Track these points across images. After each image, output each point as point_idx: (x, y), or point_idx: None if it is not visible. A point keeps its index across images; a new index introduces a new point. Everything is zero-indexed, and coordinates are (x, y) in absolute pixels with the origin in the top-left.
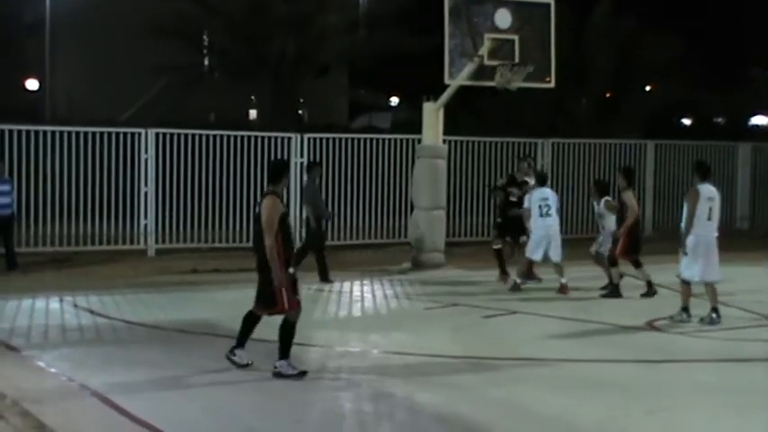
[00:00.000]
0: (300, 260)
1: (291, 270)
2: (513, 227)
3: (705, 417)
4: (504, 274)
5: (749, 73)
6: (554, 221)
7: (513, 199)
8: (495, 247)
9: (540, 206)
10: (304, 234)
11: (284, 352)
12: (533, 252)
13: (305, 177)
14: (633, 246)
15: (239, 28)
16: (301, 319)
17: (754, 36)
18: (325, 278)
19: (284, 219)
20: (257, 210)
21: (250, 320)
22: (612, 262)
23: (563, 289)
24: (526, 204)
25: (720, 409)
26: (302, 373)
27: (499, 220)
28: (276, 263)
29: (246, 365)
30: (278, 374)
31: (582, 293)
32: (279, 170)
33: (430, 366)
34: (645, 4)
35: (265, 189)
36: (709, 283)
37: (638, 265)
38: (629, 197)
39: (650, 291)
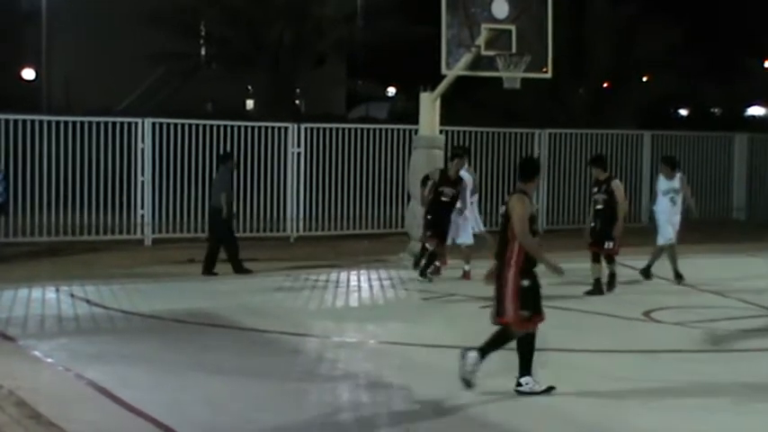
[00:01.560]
0: (215, 259)
1: (526, 282)
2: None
3: (702, 408)
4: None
5: (746, 63)
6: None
7: (445, 199)
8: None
9: None
10: (210, 225)
11: (525, 367)
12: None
13: (299, 166)
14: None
15: (237, 16)
16: (298, 309)
17: (751, 26)
18: (209, 270)
19: (534, 220)
20: (503, 210)
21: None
22: (612, 258)
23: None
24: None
25: (718, 401)
26: (549, 389)
27: (429, 216)
28: (543, 256)
29: (544, 390)
30: (522, 392)
31: (580, 285)
32: (533, 168)
33: (427, 357)
34: None
35: (516, 186)
36: None
37: (599, 260)
38: (619, 187)
39: (597, 289)
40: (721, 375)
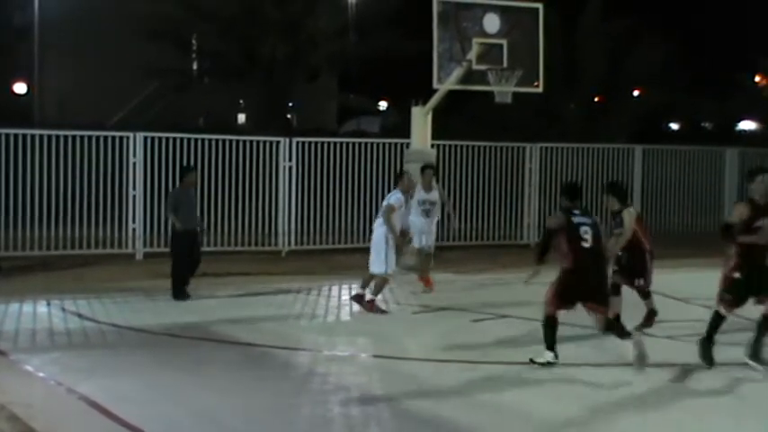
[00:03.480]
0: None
1: None
2: None
3: (696, 421)
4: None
5: (737, 78)
6: (374, 228)
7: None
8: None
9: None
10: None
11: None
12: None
13: (291, 180)
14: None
15: (229, 31)
16: (290, 323)
17: (742, 41)
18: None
19: None
20: None
21: None
22: (646, 294)
23: (370, 304)
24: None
25: (711, 413)
26: None
27: (738, 275)
28: None
29: None
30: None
31: None
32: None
33: (418, 370)
34: (634, 8)
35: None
36: None
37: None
38: (629, 214)
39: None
40: (714, 388)
